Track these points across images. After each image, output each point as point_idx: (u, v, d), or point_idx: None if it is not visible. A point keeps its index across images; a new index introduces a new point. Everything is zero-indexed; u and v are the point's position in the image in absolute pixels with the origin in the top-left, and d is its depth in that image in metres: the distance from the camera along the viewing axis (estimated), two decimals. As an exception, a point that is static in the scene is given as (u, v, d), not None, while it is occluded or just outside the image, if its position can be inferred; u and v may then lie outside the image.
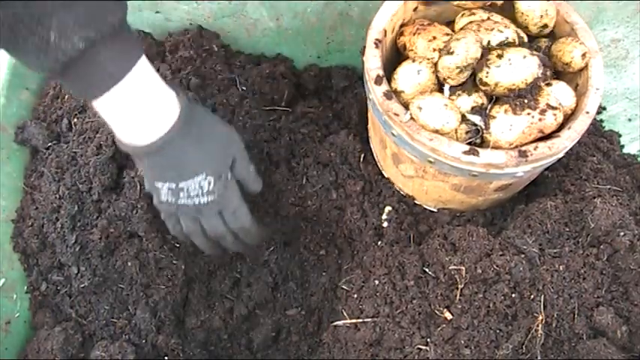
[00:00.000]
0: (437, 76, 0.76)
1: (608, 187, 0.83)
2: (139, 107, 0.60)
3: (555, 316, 0.71)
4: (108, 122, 0.61)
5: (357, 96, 1.01)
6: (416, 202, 0.89)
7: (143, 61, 0.59)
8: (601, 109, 1.02)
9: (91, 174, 0.84)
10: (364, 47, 0.79)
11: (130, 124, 0.61)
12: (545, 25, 0.80)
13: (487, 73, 0.71)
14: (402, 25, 0.84)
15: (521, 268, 0.72)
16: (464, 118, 0.74)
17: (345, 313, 0.79)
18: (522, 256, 0.74)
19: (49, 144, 0.91)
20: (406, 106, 0.73)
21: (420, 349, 0.72)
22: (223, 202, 0.69)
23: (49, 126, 0.93)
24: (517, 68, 0.70)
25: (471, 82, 0.75)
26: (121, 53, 0.56)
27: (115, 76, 0.56)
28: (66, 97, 0.94)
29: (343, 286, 0.83)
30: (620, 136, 0.99)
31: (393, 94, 0.74)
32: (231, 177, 0.69)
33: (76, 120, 0.91)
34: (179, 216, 0.70)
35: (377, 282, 0.79)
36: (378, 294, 0.78)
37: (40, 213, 0.87)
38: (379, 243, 0.86)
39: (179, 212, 0.69)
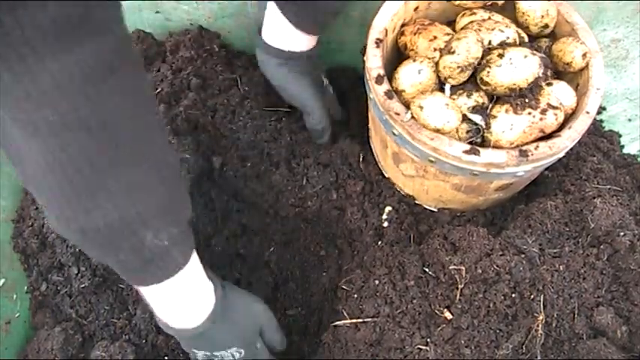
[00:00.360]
0: (438, 75, 0.76)
1: (608, 187, 0.83)
2: (186, 293, 0.61)
3: (555, 316, 0.71)
4: (151, 304, 0.62)
5: (358, 96, 1.01)
6: (416, 201, 0.89)
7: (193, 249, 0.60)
8: (601, 109, 1.02)
9: (91, 173, 0.84)
10: (365, 47, 0.79)
11: (174, 309, 0.62)
12: (546, 25, 0.80)
13: (488, 72, 0.71)
14: (402, 25, 0.84)
15: (521, 268, 0.72)
16: (465, 118, 0.74)
17: (345, 313, 0.79)
18: (522, 256, 0.74)
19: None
20: (407, 106, 0.73)
21: (420, 349, 0.72)
22: None
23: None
24: (518, 68, 0.70)
25: (472, 82, 0.75)
26: (186, 243, 0.57)
27: (181, 266, 0.56)
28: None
29: (343, 286, 0.83)
30: (620, 136, 0.99)
31: (394, 93, 0.74)
32: (261, 344, 0.74)
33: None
34: None
35: (377, 282, 0.79)
36: (378, 294, 0.78)
37: (40, 213, 0.87)
38: (379, 243, 0.86)
39: None
